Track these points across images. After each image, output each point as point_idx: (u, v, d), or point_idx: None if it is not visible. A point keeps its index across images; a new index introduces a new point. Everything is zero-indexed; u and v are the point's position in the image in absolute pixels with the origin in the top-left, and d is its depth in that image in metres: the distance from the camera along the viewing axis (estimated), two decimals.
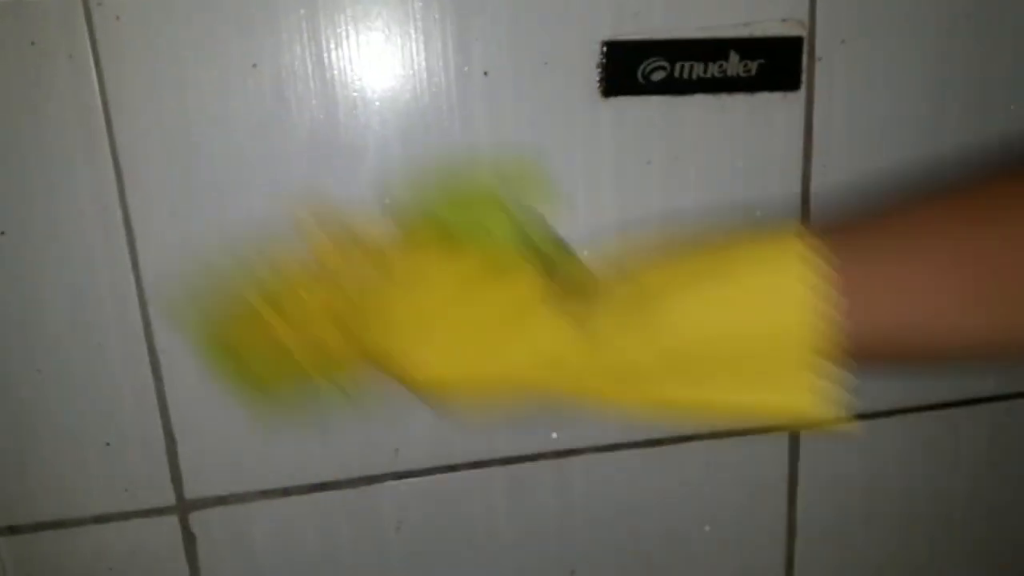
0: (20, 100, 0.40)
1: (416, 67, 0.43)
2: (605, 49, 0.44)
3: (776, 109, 0.47)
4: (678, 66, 0.44)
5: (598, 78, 0.45)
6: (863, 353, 0.32)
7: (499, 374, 0.35)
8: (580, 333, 0.34)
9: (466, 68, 0.43)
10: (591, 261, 0.36)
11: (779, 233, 0.34)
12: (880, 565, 0.56)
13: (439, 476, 0.50)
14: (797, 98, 0.47)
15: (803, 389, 0.32)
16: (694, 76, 0.45)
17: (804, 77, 0.46)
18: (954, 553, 0.57)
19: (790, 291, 0.32)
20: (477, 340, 0.35)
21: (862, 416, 0.53)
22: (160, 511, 0.47)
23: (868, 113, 0.48)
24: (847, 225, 0.35)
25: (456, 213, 0.37)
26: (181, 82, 0.41)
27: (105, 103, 0.41)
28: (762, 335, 0.32)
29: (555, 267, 0.36)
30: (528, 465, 0.51)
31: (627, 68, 0.44)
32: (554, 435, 0.50)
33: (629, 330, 0.34)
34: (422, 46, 0.43)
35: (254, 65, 0.42)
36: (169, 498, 0.47)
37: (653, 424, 0.51)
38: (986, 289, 0.32)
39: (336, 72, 0.42)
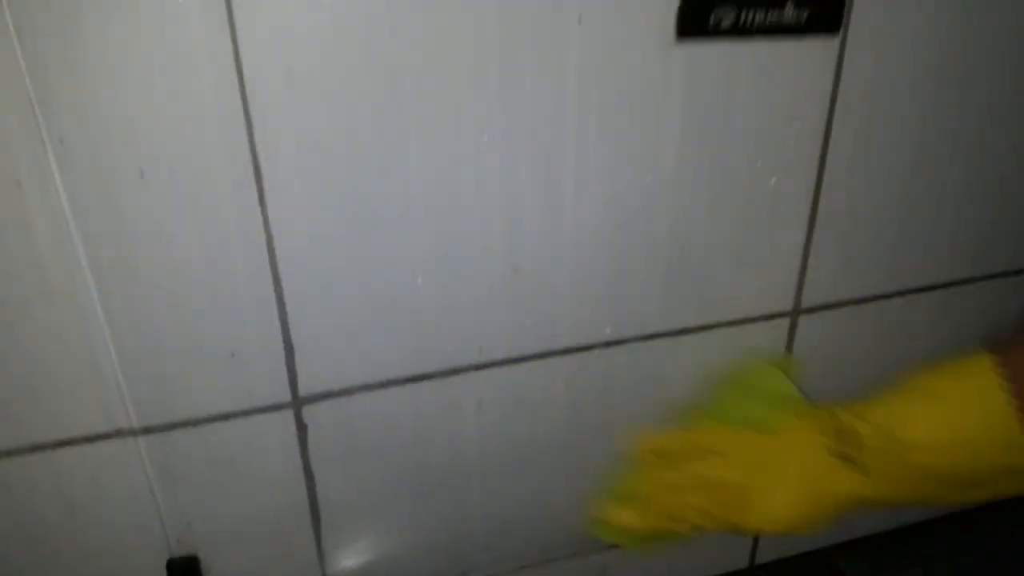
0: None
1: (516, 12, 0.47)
2: None
3: (815, 50, 0.54)
4: (744, 12, 0.50)
5: (675, 22, 0.50)
6: None
7: (819, 518, 0.52)
8: (858, 472, 0.50)
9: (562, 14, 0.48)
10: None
11: (972, 358, 0.48)
12: None
13: (512, 366, 0.58)
14: (834, 40, 0.54)
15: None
16: (755, 22, 0.51)
17: (843, 21, 0.53)
18: None
19: (992, 398, 0.45)
20: (802, 499, 0.52)
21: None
22: (278, 407, 0.53)
23: (893, 56, 0.55)
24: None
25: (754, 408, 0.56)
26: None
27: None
28: (977, 435, 0.46)
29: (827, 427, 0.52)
30: (582, 354, 0.59)
31: (701, 14, 0.50)
32: (608, 330, 0.59)
33: (886, 458, 0.49)
34: None
35: None
36: (285, 396, 0.53)
37: (682, 315, 0.60)
38: None
39: None
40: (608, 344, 0.60)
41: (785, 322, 0.64)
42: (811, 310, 0.64)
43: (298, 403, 0.54)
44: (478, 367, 0.57)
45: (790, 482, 0.52)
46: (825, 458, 0.51)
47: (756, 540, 0.74)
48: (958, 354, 0.49)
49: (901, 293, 0.66)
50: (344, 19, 0.44)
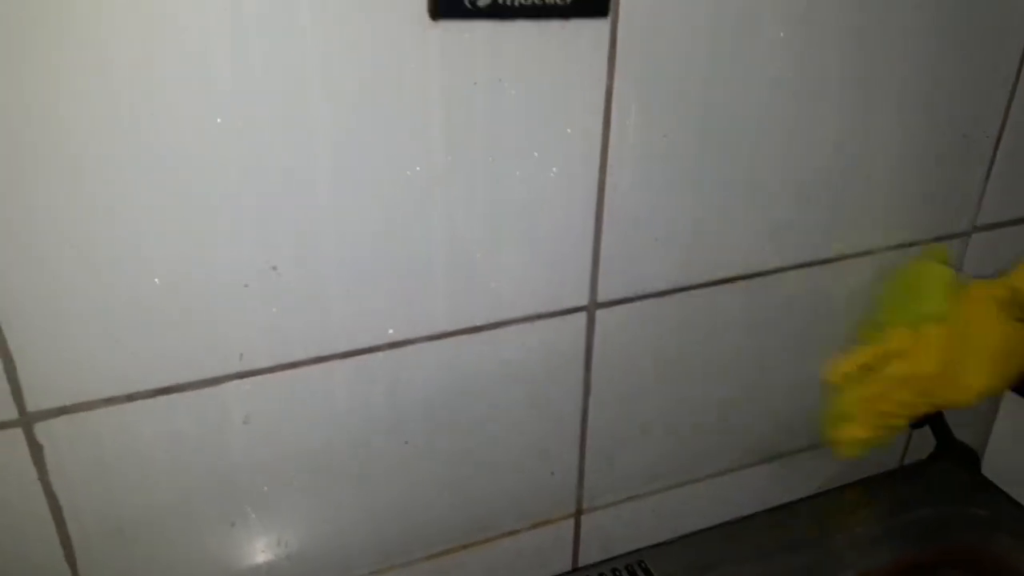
0: None
1: None
2: None
3: (586, 34, 0.51)
4: None
5: (428, 2, 0.47)
6: None
7: (1010, 377, 0.63)
8: None
9: None
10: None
11: None
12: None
13: (281, 373, 0.53)
14: (604, 24, 0.52)
15: None
16: (517, 3, 0.48)
17: (611, 5, 0.51)
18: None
19: None
20: (992, 367, 0.62)
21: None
22: (2, 425, 0.48)
23: (667, 40, 0.54)
24: None
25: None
26: None
27: None
28: None
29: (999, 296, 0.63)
30: (364, 357, 0.55)
31: None
32: (390, 331, 0.55)
33: None
34: None
35: None
36: (11, 412, 0.48)
37: (472, 312, 0.58)
38: None
39: None
40: (392, 345, 0.56)
41: (582, 316, 0.61)
42: (608, 304, 0.62)
43: (28, 420, 0.48)
44: (240, 375, 0.52)
45: (979, 356, 0.62)
46: (1003, 326, 0.61)
47: (577, 544, 0.72)
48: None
49: (700, 286, 0.64)
50: None
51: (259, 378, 0.53)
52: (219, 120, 0.45)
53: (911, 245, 0.72)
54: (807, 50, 0.59)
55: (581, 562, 0.73)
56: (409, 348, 0.57)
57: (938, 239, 0.73)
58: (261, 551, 0.59)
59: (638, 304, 0.63)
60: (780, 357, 0.72)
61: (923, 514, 0.74)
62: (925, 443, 0.82)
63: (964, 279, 0.67)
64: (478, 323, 0.58)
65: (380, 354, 0.56)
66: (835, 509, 0.74)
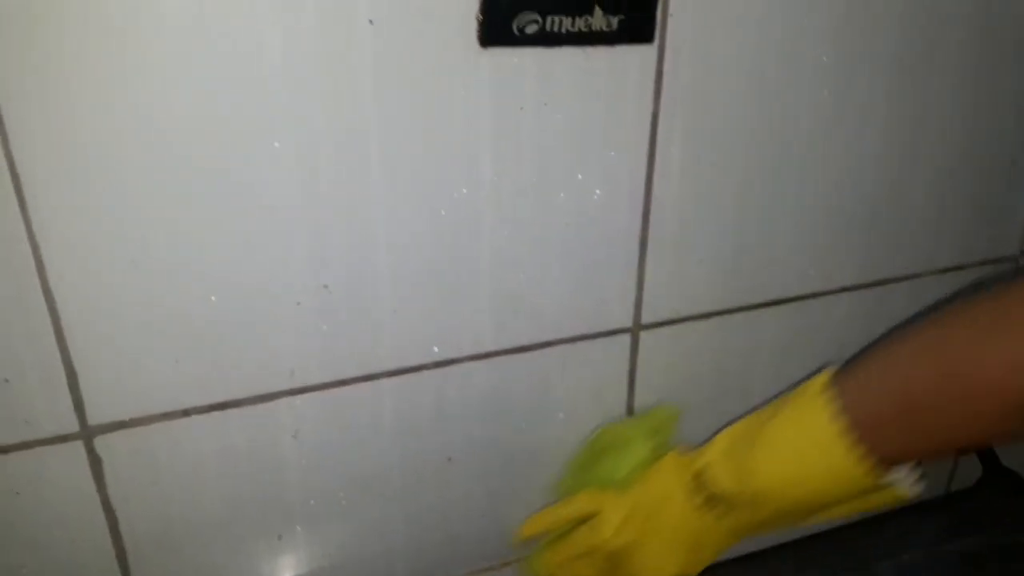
0: None
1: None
2: (483, 2, 0.47)
3: (632, 60, 0.52)
4: (549, 19, 0.49)
5: (477, 29, 0.48)
6: (889, 460, 0.46)
7: (700, 560, 0.55)
8: (723, 513, 0.52)
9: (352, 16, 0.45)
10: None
11: (808, 390, 0.49)
12: None
13: (330, 391, 0.55)
14: (651, 50, 0.52)
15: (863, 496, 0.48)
16: (563, 29, 0.49)
17: (657, 31, 0.52)
18: None
19: (825, 434, 0.46)
20: (679, 550, 0.55)
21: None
22: (64, 438, 0.49)
23: (712, 66, 0.54)
24: (854, 366, 0.48)
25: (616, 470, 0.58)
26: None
27: None
28: (816, 474, 0.47)
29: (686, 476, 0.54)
30: (411, 375, 0.56)
31: (503, 20, 0.48)
32: (436, 349, 0.56)
33: (743, 498, 0.50)
34: None
35: None
36: (73, 425, 0.49)
37: (516, 333, 0.58)
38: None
39: None
40: (438, 364, 0.57)
41: (626, 338, 0.62)
42: (652, 326, 0.62)
43: (88, 433, 0.50)
44: (291, 392, 0.54)
45: (667, 536, 0.55)
46: (692, 508, 0.53)
47: None
48: (799, 380, 0.52)
49: (742, 309, 0.64)
50: None
51: (309, 395, 0.54)
52: (277, 144, 0.46)
53: (958, 269, 0.71)
54: (851, 75, 0.59)
55: None
56: (454, 367, 0.58)
57: (985, 263, 0.72)
58: (306, 564, 0.60)
59: (681, 326, 0.63)
60: None
61: (970, 542, 0.73)
62: (972, 470, 0.80)
63: (659, 452, 0.58)
64: (522, 343, 0.59)
65: (426, 372, 0.57)
66: (880, 536, 0.73)
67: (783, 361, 0.68)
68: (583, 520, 0.58)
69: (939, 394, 0.44)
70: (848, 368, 0.49)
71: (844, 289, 0.68)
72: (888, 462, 0.46)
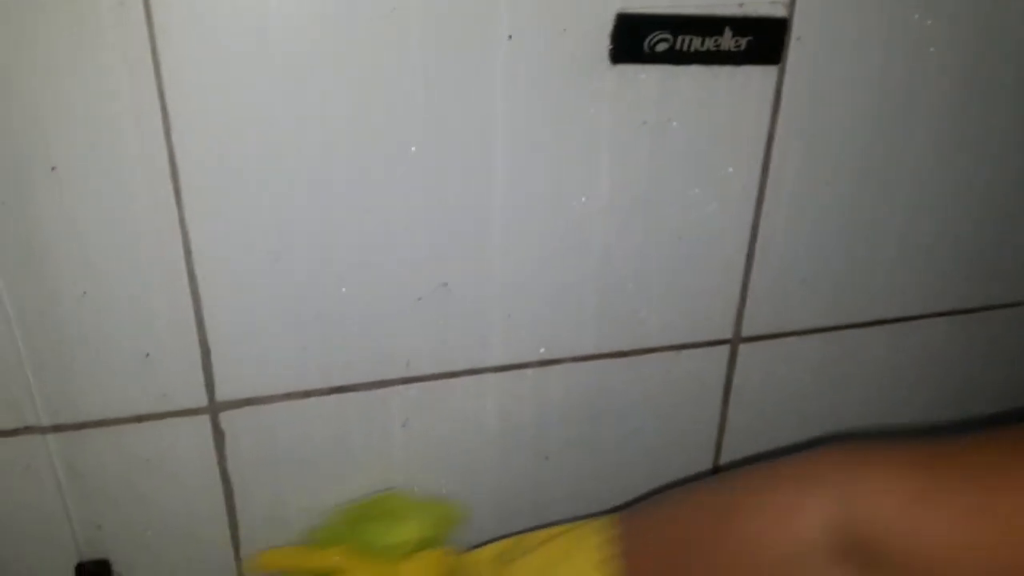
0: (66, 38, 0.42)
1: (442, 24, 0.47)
2: (617, 20, 0.49)
3: (753, 80, 0.53)
4: (680, 39, 0.50)
5: (609, 46, 0.49)
6: None
7: None
8: None
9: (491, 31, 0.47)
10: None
11: (585, 524, 0.49)
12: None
13: (440, 382, 0.57)
14: (772, 71, 0.53)
15: None
16: (692, 48, 0.50)
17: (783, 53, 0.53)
18: None
19: (586, 569, 0.46)
20: None
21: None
22: (194, 411, 0.53)
23: (831, 90, 0.55)
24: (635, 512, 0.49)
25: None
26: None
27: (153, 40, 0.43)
28: None
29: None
30: (515, 372, 0.58)
31: (635, 39, 0.49)
32: (542, 350, 0.58)
33: None
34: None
35: None
36: (202, 400, 0.52)
37: (618, 337, 0.60)
38: None
39: None
40: (542, 363, 0.59)
41: (725, 349, 0.63)
42: (751, 339, 0.63)
43: (215, 408, 0.53)
44: (404, 381, 0.56)
45: None
46: None
47: None
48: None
49: (844, 327, 0.65)
50: (267, 32, 0.44)
51: (421, 384, 0.56)
52: (414, 149, 0.49)
53: None
54: (970, 106, 0.59)
55: None
56: (557, 367, 0.59)
57: None
58: None
59: (780, 341, 0.64)
60: (916, 403, 0.71)
61: None
62: None
63: (436, 543, 0.57)
64: (623, 348, 0.60)
65: (530, 371, 0.59)
66: None
67: (879, 382, 0.68)
68: (324, 574, 0.55)
69: (710, 541, 0.44)
70: (627, 513, 0.50)
71: (943, 313, 0.68)
72: None
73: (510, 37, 0.48)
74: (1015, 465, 0.36)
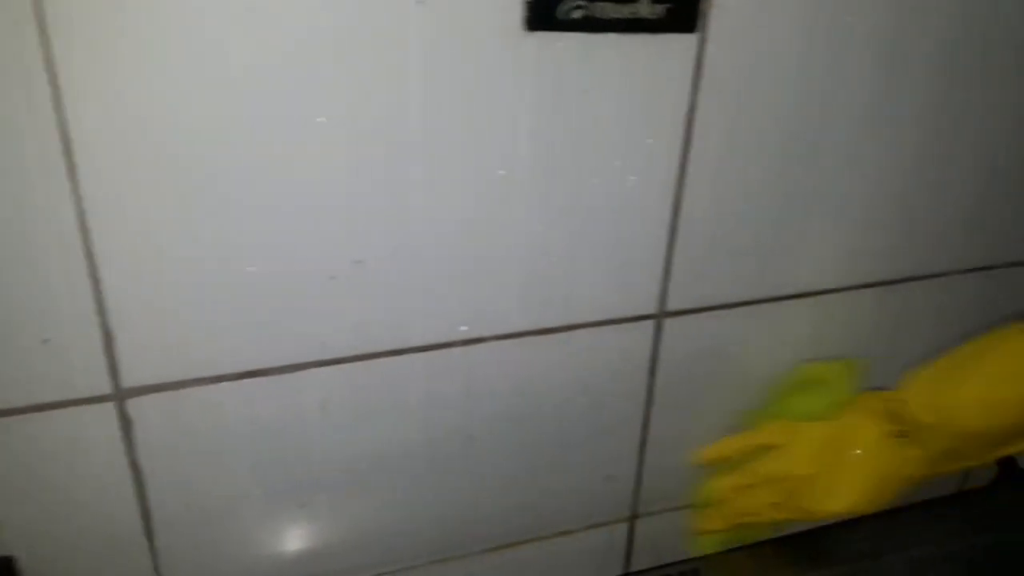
0: None
1: None
2: None
3: (673, 49, 0.52)
4: (596, 5, 0.49)
5: (523, 13, 0.48)
6: None
7: (882, 496, 0.58)
8: (915, 448, 0.56)
9: None
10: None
11: (1005, 329, 0.56)
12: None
13: (359, 363, 0.55)
14: (692, 40, 0.52)
15: None
16: (609, 16, 0.49)
17: (700, 21, 0.52)
18: None
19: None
20: (865, 482, 0.57)
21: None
22: (99, 399, 0.50)
23: (753, 60, 0.54)
24: None
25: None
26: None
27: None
28: (1017, 392, 0.54)
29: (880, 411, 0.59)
30: (438, 352, 0.57)
31: (549, 5, 0.48)
32: (463, 328, 0.57)
33: (938, 431, 0.55)
34: None
35: None
36: (106, 387, 0.50)
37: (544, 314, 0.59)
38: None
39: None
40: (466, 342, 0.58)
41: (650, 324, 0.62)
42: (676, 313, 0.62)
43: (121, 395, 0.51)
44: (320, 363, 0.54)
45: (853, 467, 0.58)
46: (883, 440, 0.57)
47: (630, 548, 0.73)
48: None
49: (769, 300, 0.65)
50: None
51: (338, 367, 0.55)
52: (321, 119, 0.47)
53: (988, 269, 0.72)
54: (894, 76, 0.59)
55: (633, 567, 0.74)
56: (481, 346, 0.58)
57: (1016, 264, 0.72)
58: (327, 534, 0.61)
59: (705, 315, 0.63)
60: None
61: (983, 539, 0.73)
62: (987, 470, 0.81)
63: (852, 391, 0.63)
64: (549, 325, 0.59)
65: (454, 350, 0.58)
66: (894, 530, 0.74)
67: (804, 355, 0.68)
68: (767, 449, 0.61)
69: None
70: None
71: (870, 285, 0.68)
72: None
73: (420, 2, 0.46)
74: None
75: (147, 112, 0.44)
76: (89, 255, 0.46)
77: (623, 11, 0.49)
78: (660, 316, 0.62)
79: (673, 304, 0.62)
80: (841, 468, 0.58)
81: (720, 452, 0.63)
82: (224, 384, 0.53)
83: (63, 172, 0.44)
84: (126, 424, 0.52)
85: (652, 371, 0.64)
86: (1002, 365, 0.55)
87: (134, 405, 0.51)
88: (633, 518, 0.72)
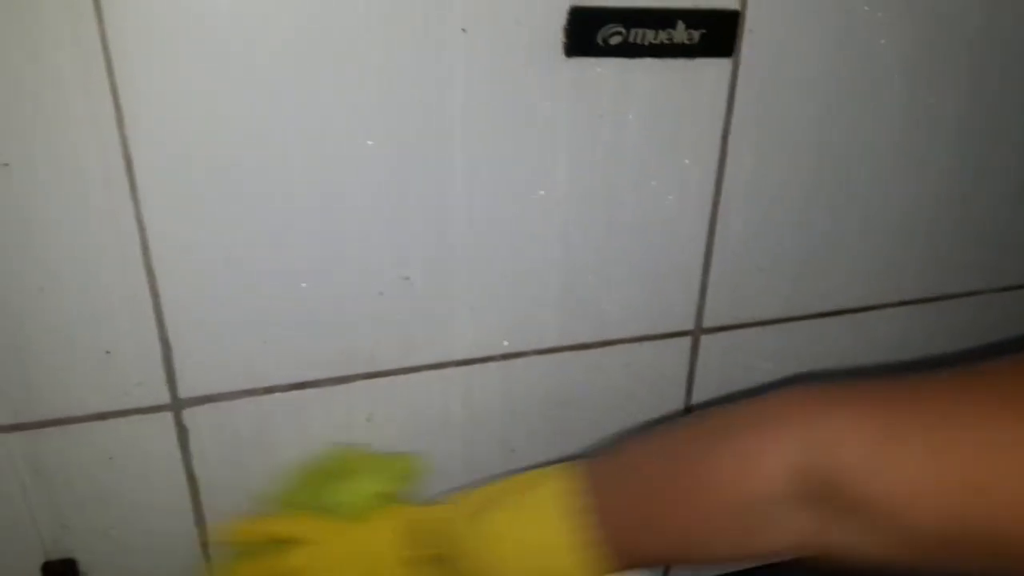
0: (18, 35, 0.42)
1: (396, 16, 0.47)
2: (570, 13, 0.49)
3: (708, 73, 0.54)
4: (633, 32, 0.51)
5: (563, 39, 0.50)
6: (625, 556, 0.44)
7: None
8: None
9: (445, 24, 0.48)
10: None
11: (550, 472, 0.47)
12: None
13: (404, 376, 0.57)
14: (727, 64, 0.54)
15: None
16: (646, 42, 0.51)
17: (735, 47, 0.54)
18: None
19: (552, 519, 0.45)
20: None
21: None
22: (157, 408, 0.53)
23: (785, 82, 0.56)
24: (600, 458, 0.47)
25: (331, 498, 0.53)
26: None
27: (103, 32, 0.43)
28: (541, 551, 0.45)
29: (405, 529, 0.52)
30: (479, 366, 0.59)
31: (588, 32, 0.50)
32: (505, 343, 0.58)
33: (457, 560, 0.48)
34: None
35: None
36: (164, 398, 0.53)
37: (582, 330, 0.60)
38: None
39: None
40: (506, 357, 0.59)
41: (687, 341, 0.64)
42: (713, 330, 0.64)
43: (178, 405, 0.53)
44: (368, 376, 0.56)
45: None
46: (401, 560, 0.51)
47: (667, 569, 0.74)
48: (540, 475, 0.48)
49: (804, 317, 0.66)
50: (223, 32, 0.44)
51: (384, 379, 0.57)
52: (370, 143, 0.49)
53: (1018, 288, 0.72)
54: (923, 96, 0.60)
55: None
56: (520, 360, 0.60)
57: None
58: None
59: (741, 332, 0.64)
60: None
61: None
62: None
63: (396, 497, 0.55)
64: (586, 340, 0.61)
65: (493, 364, 0.59)
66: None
67: (839, 372, 0.69)
68: (289, 541, 0.54)
69: (672, 487, 0.43)
70: (593, 460, 0.47)
71: (904, 303, 0.69)
72: (625, 558, 0.44)
73: (464, 30, 0.48)
74: (979, 402, 0.36)
75: (205, 134, 0.46)
76: (150, 271, 0.49)
77: (659, 37, 0.51)
78: (697, 333, 0.63)
79: (709, 321, 0.63)
80: None
81: (241, 535, 0.55)
82: (276, 395, 0.55)
83: (126, 190, 0.47)
84: (182, 433, 0.54)
85: (689, 387, 0.65)
86: (535, 508, 0.46)
87: (190, 415, 0.54)
88: None
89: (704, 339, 0.64)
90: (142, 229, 0.48)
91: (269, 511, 0.56)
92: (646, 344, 0.62)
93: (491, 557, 0.47)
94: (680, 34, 0.51)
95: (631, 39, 0.51)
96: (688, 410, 0.66)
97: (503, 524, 0.47)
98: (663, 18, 0.51)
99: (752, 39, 0.54)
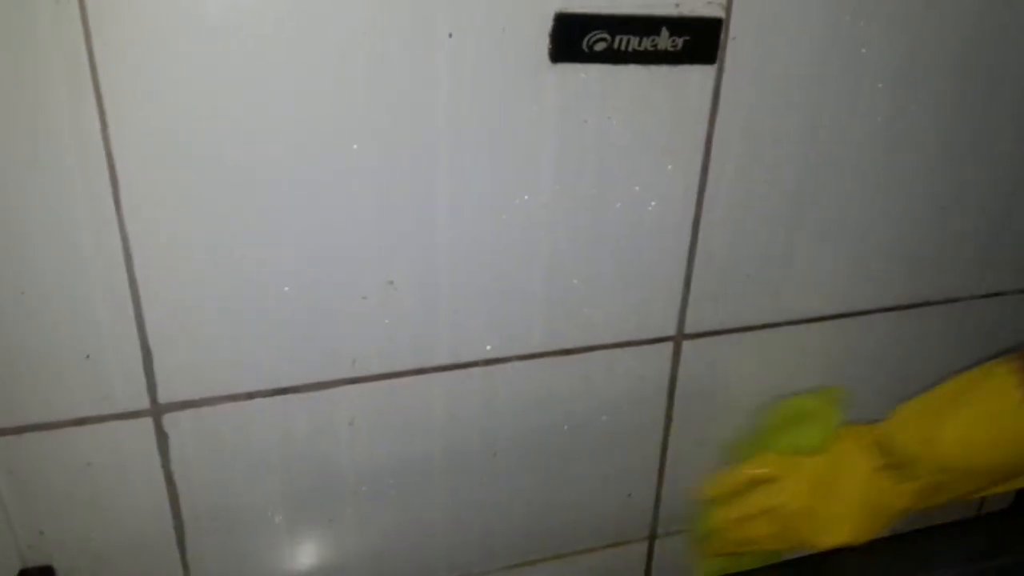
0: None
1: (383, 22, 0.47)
2: (556, 20, 0.49)
3: (692, 79, 0.54)
4: (618, 39, 0.51)
5: (548, 46, 0.50)
6: None
7: (875, 528, 0.59)
8: (905, 481, 0.57)
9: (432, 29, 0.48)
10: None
11: (991, 365, 0.55)
12: None
13: (386, 381, 0.57)
14: (710, 70, 0.54)
15: None
16: (630, 48, 0.51)
17: (718, 53, 0.54)
18: None
19: (1009, 399, 0.52)
20: (858, 514, 0.59)
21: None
22: (136, 414, 0.52)
23: (768, 89, 0.56)
24: None
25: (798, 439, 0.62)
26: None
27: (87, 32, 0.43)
28: (1000, 434, 0.53)
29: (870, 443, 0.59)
30: (462, 371, 0.59)
31: (574, 38, 0.50)
32: (488, 348, 0.58)
33: (926, 464, 0.56)
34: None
35: None
36: (144, 403, 0.52)
37: (565, 335, 0.60)
38: None
39: None
40: (489, 362, 0.59)
41: (668, 346, 0.64)
42: (695, 336, 0.64)
43: (158, 410, 0.53)
44: (350, 381, 0.56)
45: (845, 499, 0.59)
46: (873, 473, 0.58)
47: (649, 568, 0.74)
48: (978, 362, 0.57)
49: (786, 323, 0.66)
50: (210, 29, 0.44)
51: (367, 384, 0.56)
52: (355, 147, 0.49)
53: (998, 295, 0.73)
54: (906, 104, 0.61)
55: None
56: (504, 365, 0.60)
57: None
58: (352, 548, 0.62)
59: (723, 337, 0.65)
60: (858, 398, 0.72)
61: (1001, 562, 0.73)
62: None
63: (842, 423, 0.63)
64: (569, 346, 0.61)
65: (477, 369, 0.59)
66: (912, 553, 0.74)
67: (823, 378, 0.70)
68: (763, 482, 0.62)
69: None
70: None
71: (886, 309, 0.69)
72: None
73: (450, 35, 0.48)
74: None
75: (188, 140, 0.46)
76: (131, 276, 0.48)
77: (644, 44, 0.51)
78: (679, 338, 0.63)
79: (691, 327, 0.63)
80: (834, 501, 0.59)
81: (719, 487, 0.64)
82: (257, 400, 0.54)
83: (108, 195, 0.46)
84: (162, 438, 0.53)
85: (671, 392, 0.66)
86: (985, 404, 0.54)
87: (170, 420, 0.53)
88: (652, 538, 0.73)
89: (686, 344, 0.64)
90: (124, 233, 0.47)
91: (736, 462, 0.64)
92: (628, 349, 0.62)
93: (955, 445, 0.54)
94: (664, 41, 0.52)
95: (616, 46, 0.51)
96: (668, 417, 0.66)
97: (963, 413, 0.55)
98: (648, 25, 0.51)
99: (736, 47, 0.54)
